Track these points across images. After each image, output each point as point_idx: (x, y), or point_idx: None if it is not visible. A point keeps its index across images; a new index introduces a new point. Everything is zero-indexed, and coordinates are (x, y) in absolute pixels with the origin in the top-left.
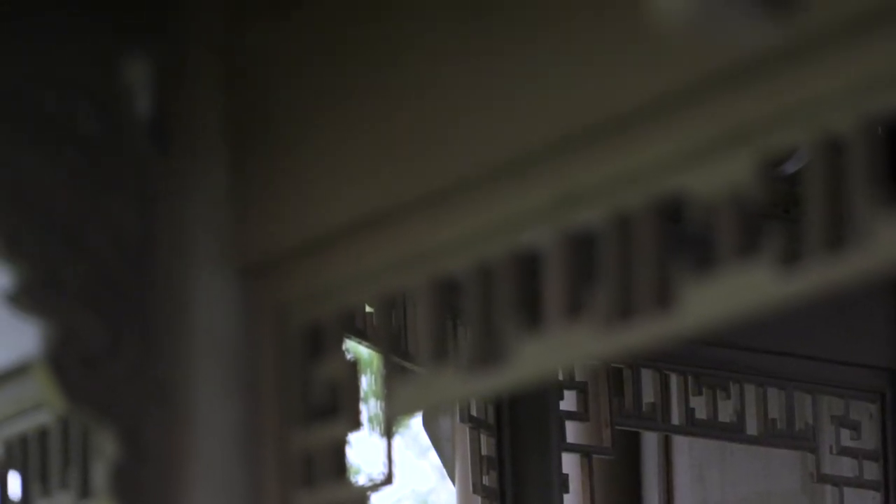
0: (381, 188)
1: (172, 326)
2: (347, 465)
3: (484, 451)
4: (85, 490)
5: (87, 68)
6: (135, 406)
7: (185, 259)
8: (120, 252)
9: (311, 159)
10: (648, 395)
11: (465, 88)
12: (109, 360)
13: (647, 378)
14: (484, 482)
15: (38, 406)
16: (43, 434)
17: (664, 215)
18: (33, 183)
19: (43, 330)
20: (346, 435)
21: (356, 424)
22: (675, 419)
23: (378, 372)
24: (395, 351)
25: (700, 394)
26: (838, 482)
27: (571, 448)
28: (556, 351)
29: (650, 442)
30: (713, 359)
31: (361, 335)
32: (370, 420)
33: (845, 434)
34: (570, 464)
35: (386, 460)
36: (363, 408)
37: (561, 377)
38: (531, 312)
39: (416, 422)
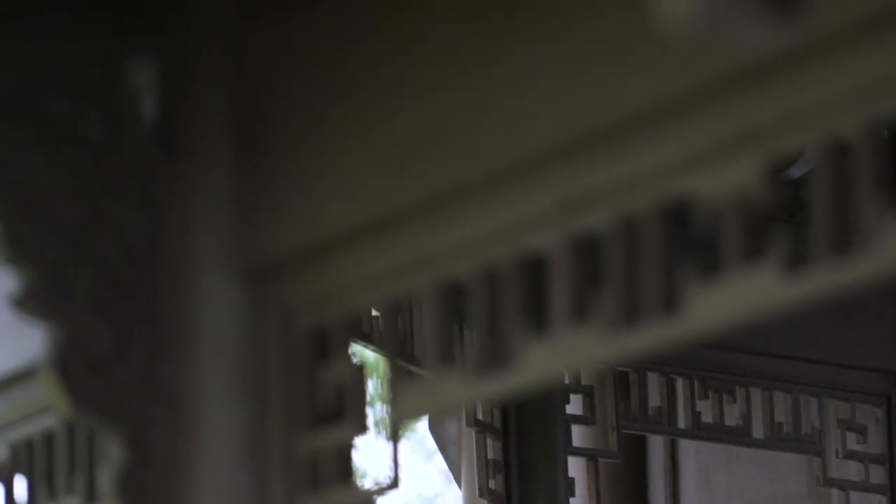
0: (386, 191)
1: (178, 330)
2: (353, 469)
3: (490, 455)
4: (91, 494)
5: (91, 71)
6: (141, 410)
7: (190, 262)
8: (125, 255)
9: (316, 162)
10: (654, 399)
11: (470, 92)
12: (115, 364)
13: (654, 382)
14: (490, 486)
15: (44, 410)
16: (49, 438)
17: (670, 219)
18: (38, 186)
19: (49, 334)
20: (352, 439)
21: (362, 428)
22: (682, 423)
23: (384, 376)
24: (401, 355)
25: (706, 397)
26: (844, 486)
27: (577, 452)
28: (562, 354)
29: (656, 446)
30: (719, 362)
31: (367, 339)
32: (376, 424)
33: (851, 438)
34: (576, 467)
35: (392, 464)
36: (369, 411)
37: (567, 381)
38: (537, 316)
39: (423, 425)
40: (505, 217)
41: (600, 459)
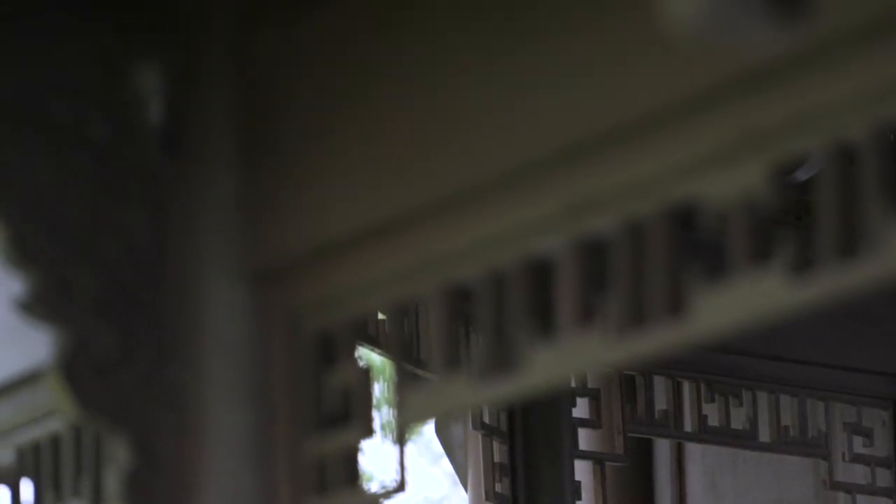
0: (392, 195)
1: (184, 334)
2: (360, 473)
3: (496, 459)
4: (97, 497)
5: (95, 73)
6: (147, 413)
7: (195, 265)
8: (131, 259)
9: (322, 166)
10: (661, 403)
11: (476, 95)
12: (121, 368)
13: (660, 385)
14: (496, 489)
15: (51, 413)
16: (55, 441)
17: (676, 222)
18: (42, 189)
19: (55, 337)
20: (358, 442)
21: (368, 431)
22: (688, 426)
23: (390, 379)
24: (407, 358)
25: (712, 401)
26: (851, 489)
27: (584, 455)
28: (569, 358)
29: (662, 449)
30: (725, 366)
31: (373, 342)
32: (382, 427)
33: (858, 441)
34: (582, 471)
35: (398, 467)
36: (375, 415)
37: (573, 384)
38: (543, 320)
39: (429, 429)
40: (511, 220)
41: (606, 463)
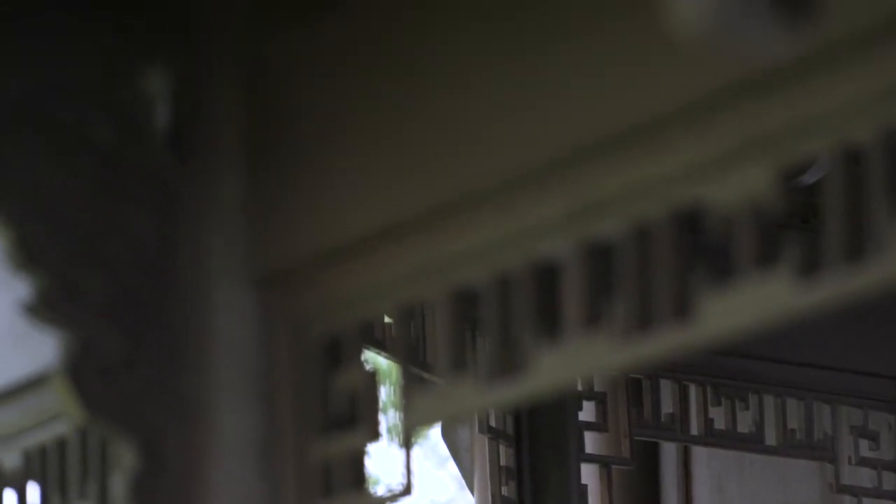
0: (399, 199)
1: (191, 337)
2: (366, 476)
3: (503, 462)
4: (103, 501)
5: (105, 78)
6: (153, 417)
7: (202, 269)
8: (138, 263)
9: (328, 170)
10: (667, 406)
11: (482, 99)
12: (128, 371)
13: (666, 389)
14: (503, 493)
15: (57, 417)
16: (62, 445)
17: (683, 226)
18: (51, 193)
19: (61, 341)
20: (364, 445)
21: (375, 435)
22: (694, 430)
23: (397, 382)
24: (413, 361)
25: (719, 404)
26: (857, 492)
27: (590, 459)
28: (575, 361)
29: (669, 453)
30: (732, 369)
31: (380, 346)
32: (389, 430)
33: (864, 444)
34: (588, 474)
35: (405, 471)
36: (382, 418)
37: (580, 388)
38: (550, 323)
39: (435, 432)
40: (517, 224)
41: (613, 466)
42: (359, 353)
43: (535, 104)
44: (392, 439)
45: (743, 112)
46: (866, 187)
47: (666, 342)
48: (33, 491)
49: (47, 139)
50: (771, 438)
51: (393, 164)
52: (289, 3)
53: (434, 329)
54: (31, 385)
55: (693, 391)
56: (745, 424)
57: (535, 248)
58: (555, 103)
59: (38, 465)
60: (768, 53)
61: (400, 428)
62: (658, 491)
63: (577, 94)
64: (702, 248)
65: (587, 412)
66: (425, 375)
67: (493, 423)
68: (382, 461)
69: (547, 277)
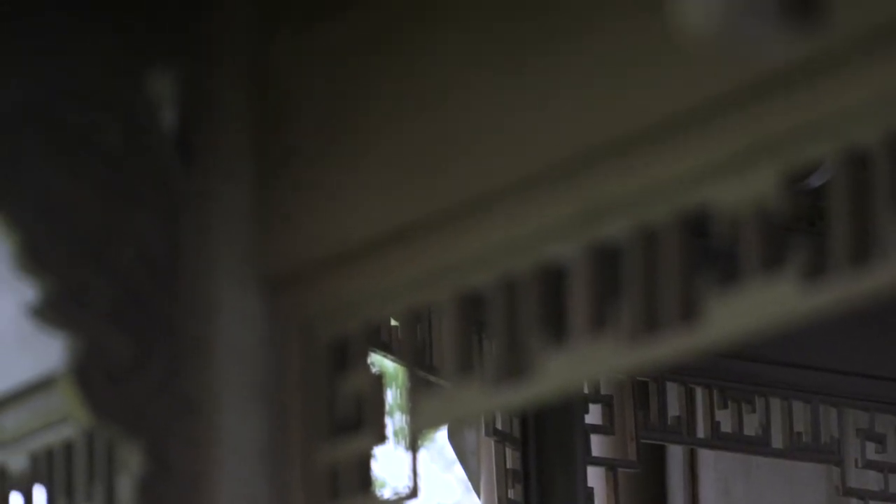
0: (406, 202)
1: (197, 340)
2: (373, 479)
3: (509, 465)
4: None
5: (111, 81)
6: (160, 420)
7: (209, 272)
8: (145, 266)
9: (335, 173)
10: (674, 409)
11: (489, 103)
12: (135, 375)
13: (673, 391)
14: (509, 496)
15: (64, 420)
16: (68, 448)
17: (689, 229)
18: (58, 196)
19: (68, 344)
20: (371, 448)
21: (381, 438)
22: (701, 433)
23: (403, 385)
24: (420, 364)
25: (725, 407)
26: (864, 495)
27: (596, 462)
28: (581, 364)
29: (675, 455)
30: (738, 372)
31: (387, 349)
32: (395, 433)
33: (870, 447)
34: (595, 477)
35: (411, 474)
36: (388, 421)
37: (586, 391)
38: (556, 326)
39: (442, 435)
40: (524, 227)
41: (619, 469)
42: (365, 356)
43: (540, 107)
44: (398, 442)
45: (749, 115)
46: (872, 190)
47: (672, 345)
48: (40, 494)
49: (53, 141)
50: (777, 441)
51: (400, 167)
52: (294, 6)
53: (441, 332)
54: (37, 388)
55: (699, 394)
56: (751, 427)
57: (541, 252)
58: (561, 106)
59: (45, 468)
60: (775, 57)
61: (406, 431)
62: (664, 494)
63: (583, 98)
64: (708, 252)
65: (593, 415)
66: (432, 378)
67: (499, 426)
68: (389, 464)
69: (553, 281)
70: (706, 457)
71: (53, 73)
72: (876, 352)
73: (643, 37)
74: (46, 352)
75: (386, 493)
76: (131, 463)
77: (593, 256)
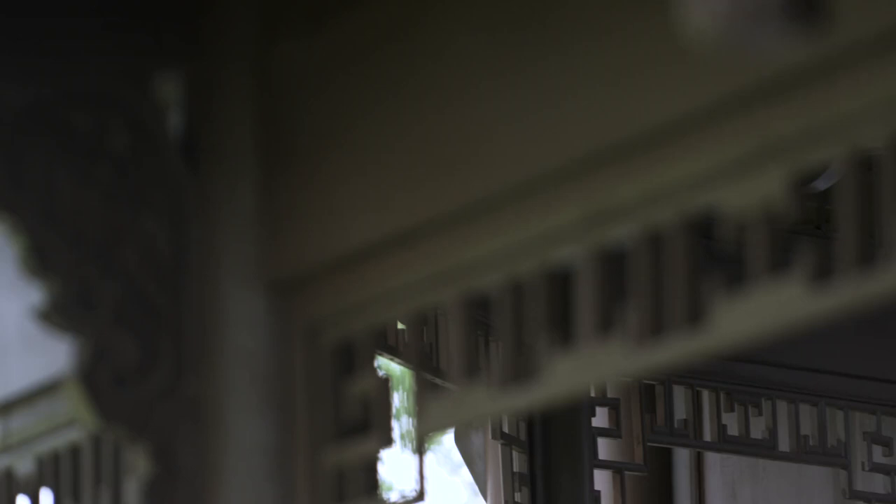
0: (411, 204)
1: (204, 344)
2: (379, 482)
3: (516, 468)
4: None
5: (118, 86)
6: (166, 423)
7: (215, 275)
8: (151, 269)
9: (341, 176)
10: (680, 412)
11: (495, 105)
12: (141, 378)
13: (679, 394)
14: (516, 499)
15: (71, 423)
16: (75, 451)
17: (696, 232)
18: (65, 200)
19: (75, 347)
20: (377, 451)
21: (388, 441)
22: (708, 436)
23: (410, 389)
24: (426, 368)
25: (732, 410)
26: (870, 498)
27: (603, 465)
28: (588, 367)
29: (682, 458)
30: (745, 375)
31: (393, 352)
32: (402, 437)
33: (877, 450)
34: (602, 480)
35: (418, 477)
36: (395, 424)
37: (593, 394)
38: (563, 329)
39: (448, 438)
40: (531, 230)
41: (626, 472)
42: (372, 359)
43: (547, 110)
44: (405, 445)
45: (755, 119)
46: (879, 194)
47: (679, 348)
48: (46, 497)
49: (61, 145)
50: (784, 444)
51: (406, 170)
52: (298, 11)
53: (447, 335)
54: (44, 391)
55: (706, 397)
56: (758, 430)
57: (548, 255)
58: (567, 110)
59: (52, 471)
60: (781, 60)
61: (413, 434)
62: (671, 497)
63: (590, 101)
64: (715, 255)
65: (600, 418)
66: (438, 381)
67: (506, 429)
68: (395, 467)
69: (560, 283)
70: (713, 460)
71: (60, 77)
72: (882, 355)
73: (650, 40)
74: (53, 355)
75: (392, 497)
76: (138, 466)
77: (600, 259)
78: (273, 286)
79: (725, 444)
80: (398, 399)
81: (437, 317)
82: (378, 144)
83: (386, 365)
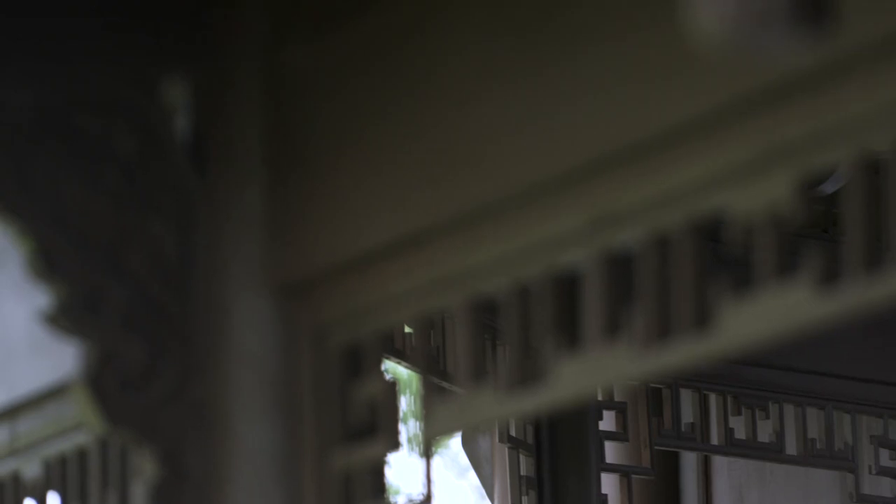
0: (418, 208)
1: (211, 347)
2: (386, 486)
3: (523, 472)
4: None
5: (126, 90)
6: (173, 426)
7: (223, 279)
8: (158, 273)
9: (348, 179)
10: (688, 416)
11: (502, 109)
12: (148, 381)
13: (687, 398)
14: (523, 502)
15: (78, 427)
16: (82, 455)
17: (702, 235)
18: (73, 204)
19: (82, 350)
20: (384, 455)
21: (395, 445)
22: (715, 439)
23: (417, 392)
24: (433, 371)
25: (739, 414)
26: (878, 502)
27: (610, 468)
28: (595, 371)
29: (689, 462)
30: (752, 379)
31: (400, 355)
32: (409, 440)
33: (884, 454)
34: (609, 484)
35: (425, 480)
36: (402, 428)
37: (600, 397)
38: (570, 332)
39: (455, 442)
40: (537, 233)
41: (633, 476)
42: (379, 362)
43: (554, 114)
44: (412, 449)
45: (762, 121)
46: (886, 197)
47: (686, 352)
48: (53, 501)
49: (68, 149)
50: (791, 448)
51: (413, 174)
52: (307, 14)
53: (454, 339)
54: (51, 395)
55: (713, 400)
56: (765, 434)
57: (555, 258)
58: (574, 113)
59: (59, 475)
60: (788, 63)
61: (420, 437)
62: (678, 501)
63: (597, 105)
64: (721, 258)
65: (607, 422)
66: (445, 385)
67: (513, 432)
68: (403, 471)
69: (567, 287)
70: (720, 463)
71: (67, 80)
72: (890, 358)
73: (657, 44)
74: (60, 359)
75: (400, 500)
76: (145, 470)
77: (607, 263)
78: (280, 290)
79: (733, 447)
80: (405, 402)
81: (445, 320)
82: (386, 149)
83: (393, 368)
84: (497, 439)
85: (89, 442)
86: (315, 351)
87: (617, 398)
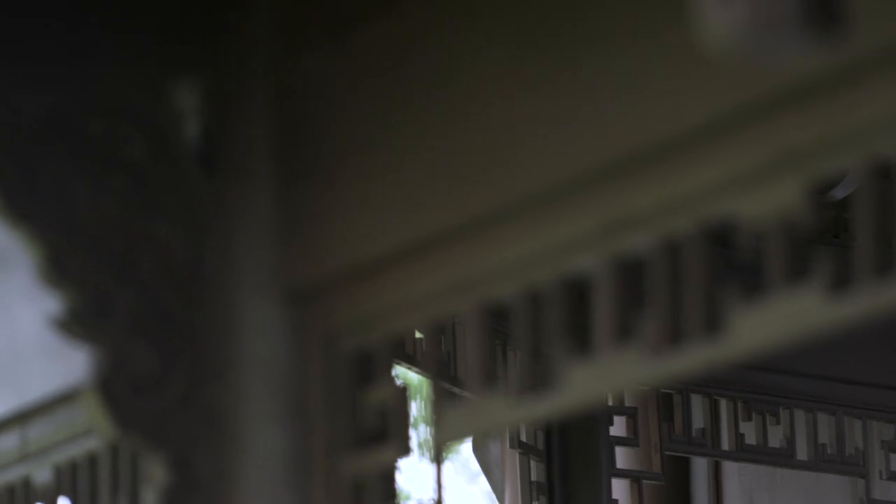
0: (429, 213)
1: (221, 353)
2: (397, 491)
3: (534, 477)
4: None
5: (136, 95)
6: (184, 431)
7: (233, 284)
8: (169, 278)
9: (358, 185)
10: (698, 421)
11: (512, 116)
12: (159, 387)
13: (697, 403)
14: None
15: (88, 432)
16: (93, 460)
17: (713, 240)
18: (81, 208)
19: (92, 356)
20: (395, 461)
21: (406, 450)
22: (725, 444)
23: (427, 398)
24: (444, 377)
25: (750, 419)
26: None
27: (621, 474)
28: (606, 376)
29: (700, 467)
30: (763, 384)
31: (411, 361)
32: (420, 446)
33: (895, 459)
34: (619, 489)
35: (435, 486)
36: (412, 433)
37: (610, 402)
38: (580, 338)
39: (466, 447)
40: (548, 239)
41: (644, 481)
42: (389, 368)
43: (565, 119)
44: (423, 454)
45: (773, 127)
46: None
47: (696, 357)
48: None
49: (77, 154)
50: (802, 453)
51: (423, 180)
52: (318, 19)
53: (465, 344)
54: (62, 400)
55: (724, 406)
56: (776, 439)
57: (565, 263)
58: (585, 118)
59: (70, 480)
60: (799, 69)
61: (431, 443)
62: None
63: (607, 109)
64: (732, 263)
65: (618, 427)
66: (456, 390)
67: (524, 438)
68: (413, 476)
69: (577, 292)
70: (731, 469)
71: (78, 85)
72: None
73: (668, 50)
74: (70, 364)
75: None
76: (155, 475)
77: (617, 268)
78: (290, 295)
79: (743, 452)
80: (416, 408)
81: (455, 326)
82: (395, 155)
83: (403, 374)
84: (508, 445)
85: (100, 447)
86: (325, 356)
87: (627, 403)
